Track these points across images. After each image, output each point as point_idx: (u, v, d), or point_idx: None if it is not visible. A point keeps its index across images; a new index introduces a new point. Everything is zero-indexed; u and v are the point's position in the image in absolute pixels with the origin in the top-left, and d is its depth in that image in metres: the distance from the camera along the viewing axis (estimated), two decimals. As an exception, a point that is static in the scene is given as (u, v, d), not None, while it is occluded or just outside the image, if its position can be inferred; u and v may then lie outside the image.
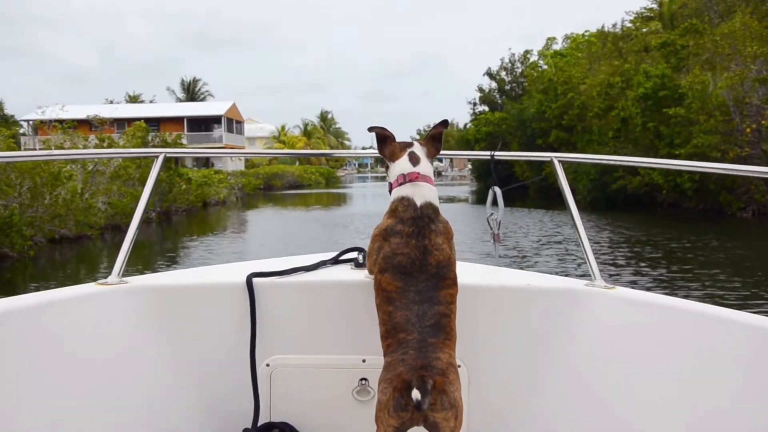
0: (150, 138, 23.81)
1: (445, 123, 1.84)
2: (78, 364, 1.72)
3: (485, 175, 44.28)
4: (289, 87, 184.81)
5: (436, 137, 1.83)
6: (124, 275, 1.98)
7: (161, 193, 22.79)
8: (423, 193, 1.69)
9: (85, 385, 1.72)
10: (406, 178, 1.71)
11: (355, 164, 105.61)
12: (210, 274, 2.14)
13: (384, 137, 1.80)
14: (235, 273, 2.00)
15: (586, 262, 2.05)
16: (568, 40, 44.65)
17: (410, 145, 1.79)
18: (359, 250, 2.15)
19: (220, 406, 1.95)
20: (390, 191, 1.76)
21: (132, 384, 1.83)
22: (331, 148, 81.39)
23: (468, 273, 1.97)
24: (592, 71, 29.90)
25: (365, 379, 1.94)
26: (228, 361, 1.95)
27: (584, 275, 2.10)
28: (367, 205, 32.21)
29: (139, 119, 43.52)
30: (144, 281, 2.00)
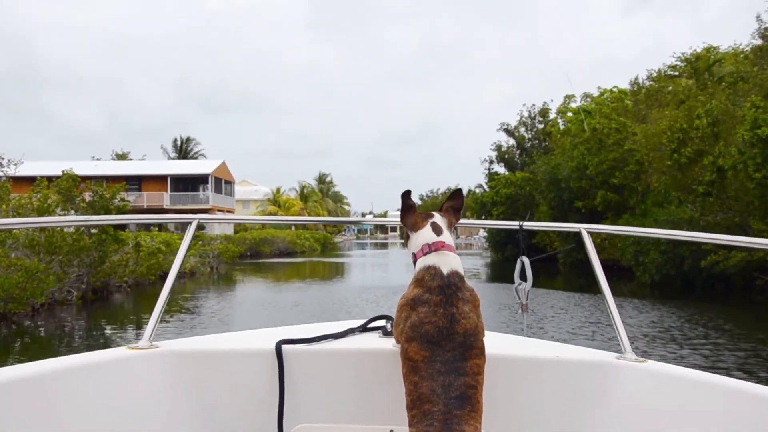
0: (78, 191, 17.76)
1: (459, 192, 1.89)
2: (107, 427, 1.73)
3: (503, 244, 37.95)
4: (290, 153, 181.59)
5: (457, 208, 1.86)
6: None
7: (89, 265, 16.70)
8: (449, 262, 1.68)
9: None
10: (431, 248, 1.71)
11: (354, 230, 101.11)
12: (239, 340, 2.13)
13: (409, 206, 1.81)
14: (264, 339, 2.00)
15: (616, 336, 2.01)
16: (588, 99, 40.58)
17: (431, 215, 1.81)
18: (387, 318, 2.15)
19: None
20: (414, 261, 1.76)
21: None
22: (329, 212, 77.03)
23: (496, 343, 1.95)
24: (648, 120, 24.38)
25: None
26: (256, 428, 1.93)
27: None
28: (366, 278, 26.27)
29: (119, 177, 38.73)
30: (175, 346, 2.00)
